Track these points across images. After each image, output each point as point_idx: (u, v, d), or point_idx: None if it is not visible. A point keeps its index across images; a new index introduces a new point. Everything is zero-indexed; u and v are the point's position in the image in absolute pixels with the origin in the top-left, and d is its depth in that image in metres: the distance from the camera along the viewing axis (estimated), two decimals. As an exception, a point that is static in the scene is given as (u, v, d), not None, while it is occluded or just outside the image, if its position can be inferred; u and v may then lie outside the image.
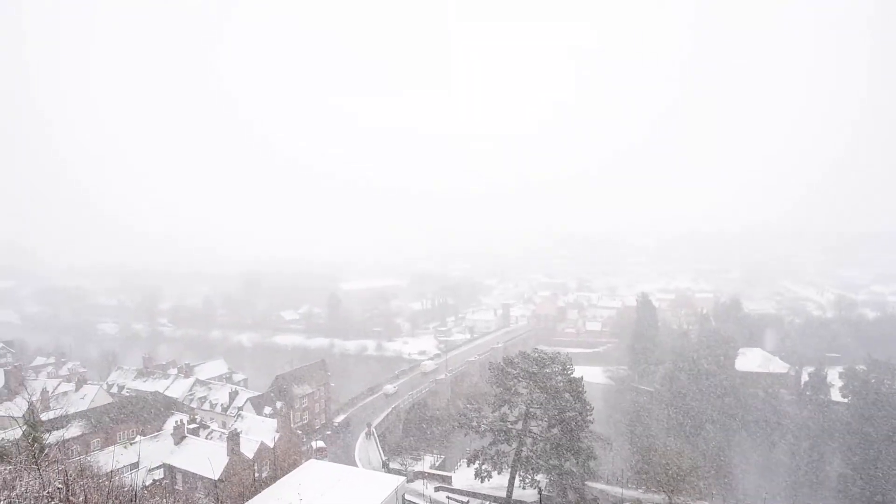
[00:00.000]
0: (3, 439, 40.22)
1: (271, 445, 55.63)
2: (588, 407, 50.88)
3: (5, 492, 8.17)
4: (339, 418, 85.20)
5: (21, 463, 11.39)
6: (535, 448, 51.86)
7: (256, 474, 50.99)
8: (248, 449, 52.51)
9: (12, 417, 66.77)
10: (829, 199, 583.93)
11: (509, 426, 52.77)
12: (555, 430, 51.65)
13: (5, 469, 10.20)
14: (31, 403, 70.41)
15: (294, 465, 52.14)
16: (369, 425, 77.10)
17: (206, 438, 58.47)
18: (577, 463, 49.25)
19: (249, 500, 30.46)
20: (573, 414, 49.74)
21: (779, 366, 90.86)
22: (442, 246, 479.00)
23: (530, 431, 52.76)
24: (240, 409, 73.95)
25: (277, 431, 58.15)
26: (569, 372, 51.89)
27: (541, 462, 50.24)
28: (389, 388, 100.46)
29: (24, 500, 7.59)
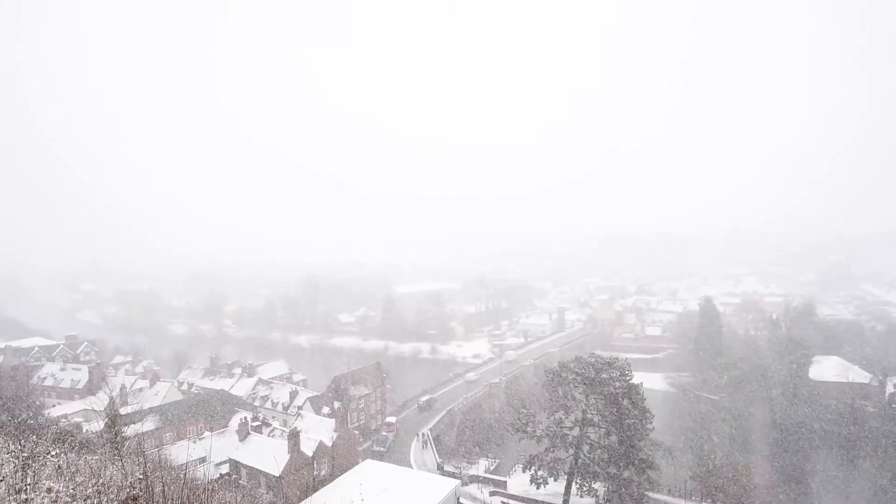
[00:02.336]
0: (87, 431, 43.23)
1: (329, 444, 57.02)
2: (648, 414, 49.20)
3: (93, 479, 8.78)
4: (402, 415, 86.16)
5: (105, 454, 12.24)
6: (592, 455, 50.64)
7: (315, 472, 52.40)
8: (308, 447, 54.05)
9: (95, 411, 72.08)
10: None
11: (565, 432, 51.77)
12: (612, 438, 50.27)
13: (92, 459, 11.00)
14: (111, 398, 75.75)
15: (351, 464, 53.24)
16: (420, 435, 75.01)
17: (269, 436, 60.69)
18: (637, 472, 47.69)
19: (310, 497, 31.29)
20: (632, 421, 48.23)
21: (859, 375, 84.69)
22: (495, 249, 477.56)
23: (587, 438, 51.56)
24: (299, 408, 76.24)
25: (335, 431, 59.53)
26: (627, 378, 50.35)
27: (598, 470, 49.00)
28: (471, 375, 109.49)
29: (109, 488, 8.12)
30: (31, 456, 9.18)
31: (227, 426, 67.10)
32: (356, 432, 70.70)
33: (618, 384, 49.97)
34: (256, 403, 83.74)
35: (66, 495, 8.02)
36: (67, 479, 9.22)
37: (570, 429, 52.24)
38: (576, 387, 51.42)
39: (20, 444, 10.22)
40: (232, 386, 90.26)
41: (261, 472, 51.56)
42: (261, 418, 70.40)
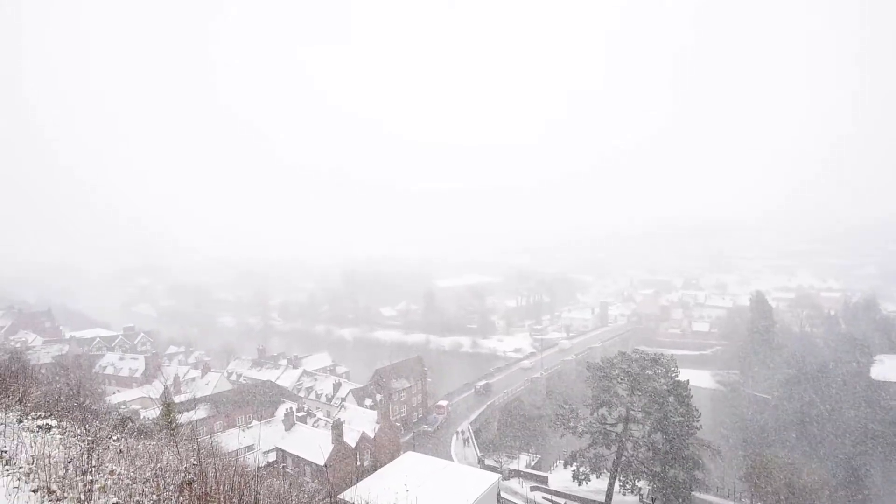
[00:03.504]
0: (144, 417, 45.43)
1: (371, 436, 58.02)
2: (694, 412, 47.88)
3: (151, 463, 9.24)
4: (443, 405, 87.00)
5: (162, 439, 12.88)
6: (636, 453, 49.71)
7: (358, 462, 53.47)
8: (351, 438, 55.17)
9: (152, 398, 75.65)
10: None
11: (608, 429, 50.94)
12: (657, 436, 49.17)
13: (150, 444, 11.60)
14: (166, 387, 79.23)
15: (392, 456, 54.08)
16: (459, 433, 74.90)
17: (313, 426, 62.28)
18: (683, 471, 46.48)
19: (355, 485, 31.98)
20: (678, 419, 46.99)
21: (925, 375, 79.76)
22: (534, 243, 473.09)
23: (631, 435, 50.59)
24: (343, 399, 77.85)
25: (377, 423, 60.49)
26: (673, 374, 49.09)
27: (643, 468, 48.08)
28: (526, 363, 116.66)
29: (166, 472, 8.53)
30: (95, 440, 9.74)
31: (273, 416, 69.15)
32: (398, 424, 71.70)
33: (663, 381, 48.80)
34: (301, 394, 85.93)
35: (128, 477, 8.48)
36: (128, 462, 9.75)
37: (614, 425, 51.37)
38: (619, 383, 50.48)
39: (85, 428, 10.86)
40: (278, 377, 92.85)
41: (306, 460, 53.00)
42: (305, 409, 72.32)
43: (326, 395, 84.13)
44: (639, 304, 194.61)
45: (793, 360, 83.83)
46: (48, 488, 7.76)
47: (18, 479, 7.94)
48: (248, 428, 63.54)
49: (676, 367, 50.22)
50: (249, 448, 56.60)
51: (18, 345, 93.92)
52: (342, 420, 57.46)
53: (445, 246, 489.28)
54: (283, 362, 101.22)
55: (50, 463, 8.40)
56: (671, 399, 48.02)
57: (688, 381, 49.91)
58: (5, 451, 8.81)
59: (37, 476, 8.08)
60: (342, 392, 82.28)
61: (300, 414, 64.97)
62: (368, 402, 76.31)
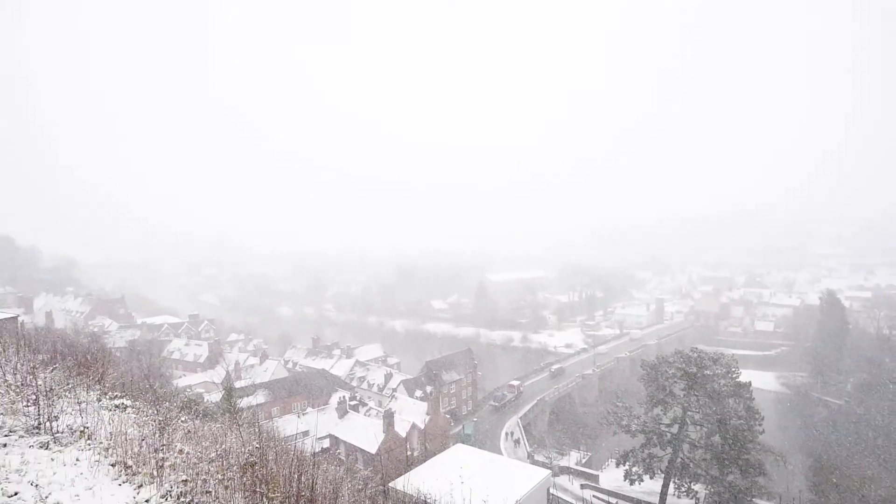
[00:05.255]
0: (207, 401, 47.78)
1: (421, 427, 58.79)
2: (757, 416, 45.65)
3: (215, 445, 9.73)
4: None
5: (225, 422, 13.55)
6: (692, 455, 48.02)
7: (408, 452, 54.33)
8: (401, 428, 56.12)
9: (214, 383, 79.53)
10: None
11: (663, 429, 49.43)
12: (716, 438, 47.27)
13: (214, 426, 12.23)
14: (227, 372, 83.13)
15: (442, 447, 54.56)
16: (507, 435, 74.12)
17: (365, 415, 63.72)
18: (743, 476, 44.49)
19: (407, 474, 32.53)
20: (738, 422, 44.98)
21: None
22: (591, 237, 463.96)
23: (687, 436, 48.89)
24: (394, 390, 79.18)
25: (427, 414, 61.23)
26: (734, 375, 46.96)
27: (699, 471, 46.38)
28: (602, 348, 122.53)
29: (229, 454, 8.96)
30: (165, 420, 10.34)
31: (327, 403, 71.12)
32: (447, 416, 72.28)
33: (723, 381, 46.79)
34: (354, 383, 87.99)
35: (195, 457, 8.97)
36: (195, 442, 10.31)
37: (669, 426, 49.80)
38: (676, 382, 48.84)
39: (156, 409, 11.56)
40: (332, 366, 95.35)
41: (358, 448, 54.36)
42: (358, 398, 74.02)
43: (378, 385, 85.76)
44: (697, 301, 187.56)
45: (868, 364, 78.54)
46: (125, 463, 8.32)
47: (99, 454, 8.56)
48: (303, 414, 65.69)
49: (738, 367, 48.06)
50: (305, 434, 58.56)
51: (96, 329, 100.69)
52: (393, 410, 58.52)
53: (499, 240, 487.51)
54: (337, 352, 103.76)
55: (126, 440, 9.00)
56: (732, 401, 46.06)
57: (750, 382, 47.68)
58: (87, 427, 9.51)
59: (114, 451, 8.67)
60: (393, 382, 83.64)
61: (353, 403, 66.64)
62: (419, 393, 77.25)
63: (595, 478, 60.22)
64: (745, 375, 49.14)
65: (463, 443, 72.26)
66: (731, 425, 44.87)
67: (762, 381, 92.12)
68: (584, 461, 67.98)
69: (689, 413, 48.57)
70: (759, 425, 45.63)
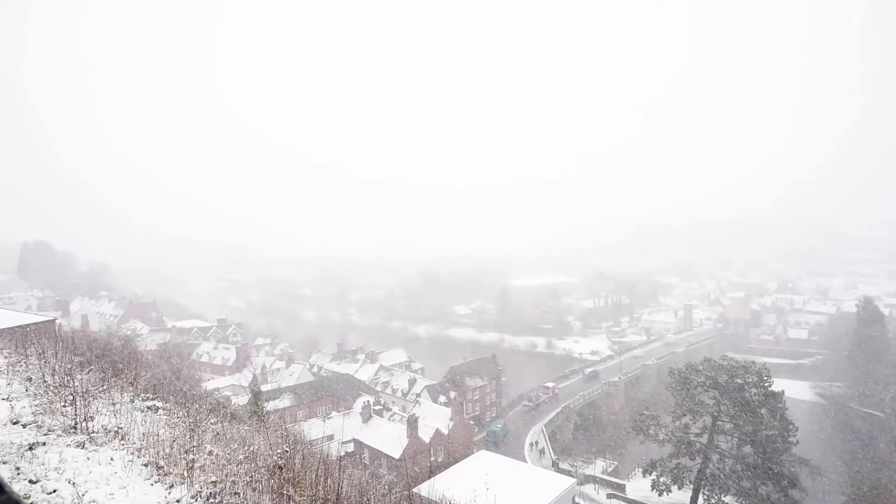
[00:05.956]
0: (235, 403, 48.53)
1: (445, 432, 58.65)
2: (790, 426, 44.32)
3: (243, 447, 9.88)
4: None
5: (252, 425, 13.76)
6: (722, 466, 46.83)
7: (432, 458, 54.23)
8: (425, 433, 56.07)
9: (242, 386, 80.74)
10: None
11: (692, 438, 48.40)
12: (747, 449, 46.07)
13: (242, 428, 12.42)
14: (254, 376, 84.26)
15: (466, 453, 54.36)
16: (532, 445, 73.48)
17: (389, 420, 63.88)
18: (776, 489, 43.17)
19: (432, 480, 32.48)
20: (771, 433, 43.80)
21: None
22: (615, 240, 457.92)
23: (717, 447, 47.75)
24: (417, 395, 79.24)
25: (451, 420, 61.08)
26: (766, 384, 45.70)
27: (730, 483, 45.18)
28: (638, 352, 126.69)
29: (257, 456, 9.08)
30: (195, 422, 10.54)
31: (351, 408, 71.46)
32: (471, 422, 71.98)
33: (754, 391, 45.61)
34: (378, 388, 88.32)
35: (224, 458, 9.12)
36: (224, 444, 10.48)
37: (698, 435, 48.75)
38: (705, 391, 47.80)
39: (186, 410, 11.80)
40: (356, 371, 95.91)
41: (382, 452, 54.51)
42: (382, 402, 74.25)
43: (402, 391, 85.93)
44: (727, 307, 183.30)
45: (908, 373, 75.60)
46: (157, 463, 8.52)
47: (132, 454, 8.78)
48: (328, 418, 66.18)
49: (769, 376, 46.78)
50: (330, 438, 58.97)
51: (129, 332, 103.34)
52: (416, 415, 58.52)
53: (518, 240, 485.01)
54: (361, 357, 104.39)
55: (157, 441, 9.21)
56: (763, 411, 44.83)
57: (782, 391, 46.36)
58: (121, 428, 9.76)
59: (147, 452, 8.88)
60: (417, 388, 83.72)
61: (377, 407, 66.87)
62: (442, 398, 77.13)
63: (622, 487, 59.23)
64: (777, 384, 47.82)
65: (492, 441, 72.45)
66: (764, 436, 43.68)
67: (796, 390, 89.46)
68: (610, 470, 66.95)
69: (718, 423, 47.49)
70: (793, 436, 44.32)
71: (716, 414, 47.28)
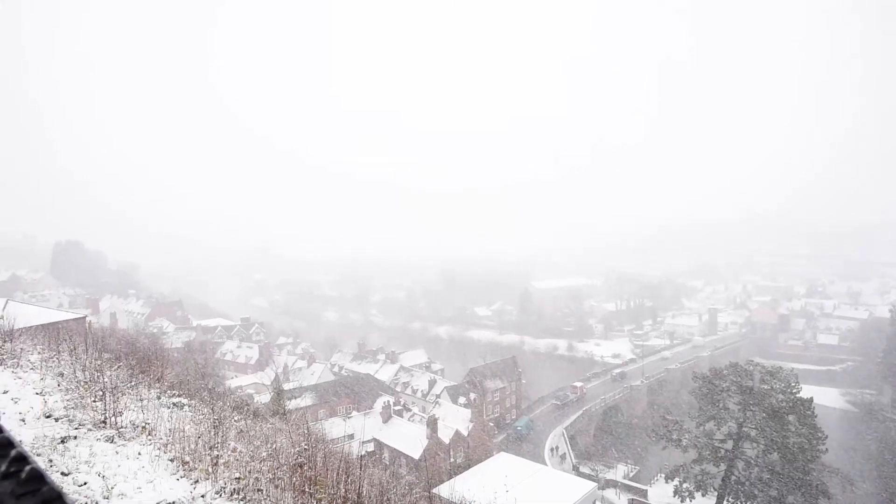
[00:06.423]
0: (257, 401, 49.22)
1: (465, 434, 58.58)
2: (819, 434, 43.08)
3: (266, 444, 10.01)
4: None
5: (275, 423, 13.95)
6: (748, 473, 45.83)
7: (451, 459, 54.22)
8: (445, 435, 56.07)
9: (265, 385, 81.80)
10: None
11: (716, 444, 47.46)
12: (774, 456, 44.97)
13: (265, 426, 12.60)
14: (276, 374, 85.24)
15: (485, 455, 54.23)
16: (552, 451, 72.31)
17: (409, 420, 64.08)
18: (805, 499, 42.05)
19: (452, 481, 32.49)
20: (799, 440, 42.64)
21: None
22: (637, 242, 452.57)
23: (743, 453, 46.74)
24: (437, 396, 79.31)
25: (471, 421, 60.97)
26: (794, 390, 44.60)
27: (756, 491, 44.19)
28: (666, 353, 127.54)
29: (280, 454, 9.19)
30: (219, 419, 10.72)
31: (371, 408, 71.83)
32: (491, 424, 71.77)
33: (781, 397, 44.56)
34: (398, 389, 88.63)
35: (247, 455, 9.26)
36: (247, 441, 10.64)
37: (722, 441, 47.79)
38: (730, 396, 46.87)
39: (211, 408, 12.01)
40: (376, 371, 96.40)
41: (401, 453, 54.69)
42: (402, 403, 74.53)
43: (422, 391, 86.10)
44: (753, 311, 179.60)
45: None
46: (182, 459, 8.69)
47: (158, 449, 8.97)
48: (348, 418, 66.64)
49: (798, 382, 45.66)
50: (350, 437, 59.38)
51: (156, 330, 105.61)
52: (436, 416, 58.56)
53: (537, 239, 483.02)
54: (382, 357, 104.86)
55: (183, 437, 9.39)
56: (791, 417, 43.71)
57: (811, 398, 45.15)
58: (148, 423, 9.98)
59: (173, 447, 9.07)
60: (437, 389, 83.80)
61: (397, 408, 67.10)
62: (462, 400, 77.04)
63: (643, 493, 58.37)
64: (806, 391, 46.68)
65: (517, 437, 72.36)
66: (791, 444, 42.59)
67: (825, 397, 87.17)
68: (631, 475, 66.02)
69: (744, 429, 46.48)
70: (823, 444, 43.08)
71: (741, 420, 46.31)
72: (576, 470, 62.66)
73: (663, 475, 53.11)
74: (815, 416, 44.06)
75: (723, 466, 46.63)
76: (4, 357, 12.82)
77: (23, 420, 9.18)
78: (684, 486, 47.10)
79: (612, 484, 60.50)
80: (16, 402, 9.93)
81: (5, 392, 10.36)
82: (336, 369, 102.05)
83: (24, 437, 8.27)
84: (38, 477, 1.34)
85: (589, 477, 57.94)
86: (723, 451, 46.87)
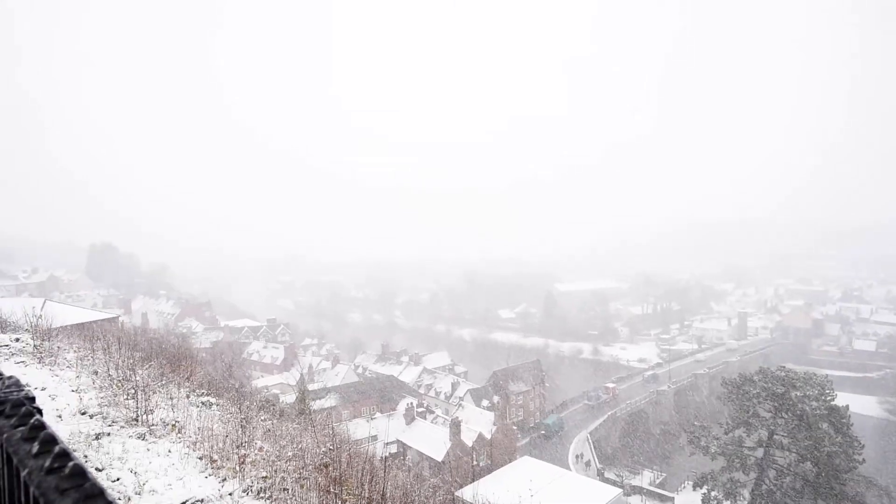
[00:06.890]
0: (283, 402, 49.86)
1: (488, 437, 58.36)
2: (855, 443, 41.64)
3: (292, 444, 10.14)
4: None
5: (301, 424, 14.13)
6: (780, 482, 44.55)
7: (474, 462, 54.07)
8: (467, 437, 55.96)
9: (290, 385, 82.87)
10: None
11: (746, 452, 46.27)
12: (807, 465, 43.62)
13: (291, 426, 12.77)
14: (302, 375, 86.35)
15: (508, 459, 53.96)
16: (577, 458, 70.78)
17: (432, 422, 64.11)
18: (840, 509, 40.70)
19: (475, 484, 32.41)
20: (833, 449, 41.26)
21: None
22: (663, 245, 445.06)
23: (774, 462, 45.48)
24: (460, 398, 79.20)
25: (494, 424, 60.72)
26: (828, 398, 43.21)
27: (788, 500, 42.94)
28: (701, 356, 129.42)
29: (306, 453, 9.31)
30: (246, 418, 10.91)
31: (395, 409, 72.12)
32: (514, 427, 71.35)
33: (815, 404, 43.18)
34: (421, 391, 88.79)
35: (273, 455, 9.40)
36: (273, 441, 10.80)
37: (752, 449, 46.57)
38: (761, 403, 45.62)
39: (238, 407, 12.22)
40: (400, 372, 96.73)
41: (424, 455, 54.74)
42: (425, 405, 74.60)
43: (445, 394, 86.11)
44: (784, 316, 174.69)
45: None
46: (210, 457, 8.86)
47: (188, 447, 9.17)
48: (372, 419, 67.03)
49: (832, 389, 44.24)
50: (374, 438, 59.66)
51: (185, 330, 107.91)
52: (459, 419, 58.51)
53: (560, 241, 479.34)
54: (405, 359, 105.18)
55: (212, 435, 9.58)
56: (825, 425, 42.35)
57: (847, 406, 43.70)
58: (178, 421, 10.21)
59: (201, 445, 9.26)
60: (460, 391, 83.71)
61: (420, 410, 67.22)
62: (485, 402, 76.80)
63: (670, 500, 57.34)
64: (841, 398, 45.23)
65: (546, 434, 72.04)
66: (825, 452, 41.25)
67: (861, 405, 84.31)
68: (657, 482, 64.89)
69: (775, 437, 45.25)
70: (859, 454, 41.64)
71: (772, 427, 45.08)
72: (600, 475, 61.83)
73: (691, 483, 51.99)
74: (851, 425, 42.62)
75: (753, 475, 45.46)
76: (43, 355, 13.28)
77: (59, 416, 9.49)
78: (713, 494, 46.01)
79: (637, 490, 59.54)
80: (53, 399, 10.27)
81: (44, 389, 10.71)
82: (360, 370, 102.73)
83: (61, 433, 8.54)
84: (81, 473, 1.40)
85: (614, 483, 57.08)
86: (753, 459, 45.68)
